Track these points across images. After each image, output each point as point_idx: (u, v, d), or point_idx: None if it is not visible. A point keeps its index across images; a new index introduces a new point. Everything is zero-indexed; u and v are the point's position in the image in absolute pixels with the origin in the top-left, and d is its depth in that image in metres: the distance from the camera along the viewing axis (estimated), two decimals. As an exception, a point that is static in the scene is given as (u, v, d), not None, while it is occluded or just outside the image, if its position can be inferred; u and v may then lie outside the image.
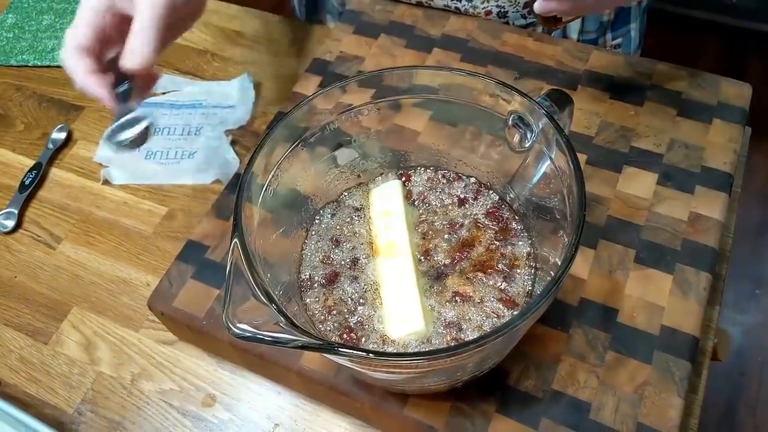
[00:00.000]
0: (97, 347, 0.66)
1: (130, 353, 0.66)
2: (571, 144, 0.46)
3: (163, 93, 0.86)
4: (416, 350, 0.50)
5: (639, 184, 0.64)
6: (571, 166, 0.45)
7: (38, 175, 0.78)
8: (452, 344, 0.49)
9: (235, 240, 0.43)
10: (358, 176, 0.60)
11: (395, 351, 0.50)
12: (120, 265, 0.72)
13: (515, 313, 0.51)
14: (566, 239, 0.47)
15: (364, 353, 0.39)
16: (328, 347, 0.39)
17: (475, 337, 0.48)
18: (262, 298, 0.41)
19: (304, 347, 0.39)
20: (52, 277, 0.71)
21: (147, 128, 0.61)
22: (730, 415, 1.49)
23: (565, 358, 0.55)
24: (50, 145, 0.81)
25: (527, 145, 0.51)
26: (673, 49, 1.28)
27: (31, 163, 0.81)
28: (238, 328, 0.40)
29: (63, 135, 0.82)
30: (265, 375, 0.62)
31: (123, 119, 0.60)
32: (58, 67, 0.91)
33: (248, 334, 0.39)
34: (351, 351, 0.39)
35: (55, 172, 0.80)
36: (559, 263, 0.43)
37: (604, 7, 0.62)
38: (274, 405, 0.61)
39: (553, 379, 0.54)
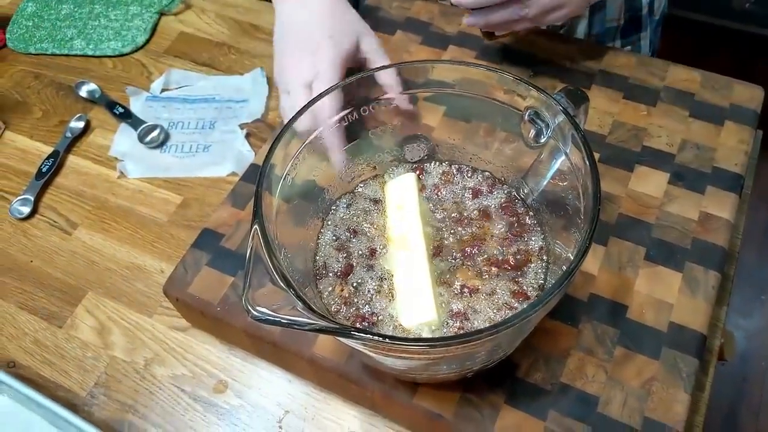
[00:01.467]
0: (111, 332, 0.67)
1: (144, 338, 0.66)
2: (587, 140, 0.47)
3: (177, 88, 0.87)
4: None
5: (650, 183, 0.65)
6: (587, 162, 0.46)
7: (55, 163, 0.79)
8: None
9: (256, 226, 0.44)
10: (374, 168, 0.61)
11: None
12: (135, 251, 0.73)
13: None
14: (579, 235, 0.47)
15: (380, 337, 0.39)
16: (344, 331, 0.40)
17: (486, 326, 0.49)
18: (281, 283, 0.42)
19: (321, 330, 0.40)
20: (67, 262, 0.72)
21: (165, 133, 0.81)
22: (733, 419, 1.50)
23: (574, 353, 0.55)
24: (68, 134, 0.82)
25: (542, 141, 0.52)
26: (684, 54, 1.28)
27: (47, 149, 0.82)
28: (257, 311, 0.40)
29: (81, 124, 0.83)
30: (277, 362, 0.63)
31: (144, 126, 0.82)
32: (76, 55, 0.92)
33: (267, 317, 0.40)
34: (366, 335, 0.40)
35: (72, 160, 0.81)
36: (572, 257, 0.44)
37: (529, 25, 0.68)
38: (285, 392, 0.62)
39: (561, 372, 0.54)
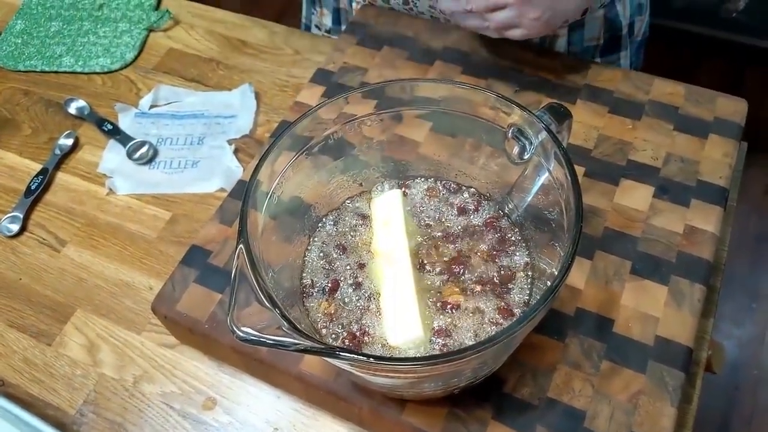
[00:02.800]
0: (100, 349, 0.67)
1: (132, 356, 0.66)
2: (569, 157, 0.47)
3: (166, 104, 0.88)
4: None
5: (635, 196, 0.65)
6: (569, 179, 0.47)
7: (44, 181, 0.79)
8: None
9: (241, 246, 0.44)
10: (360, 185, 0.61)
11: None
12: (123, 268, 0.73)
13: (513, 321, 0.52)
14: (563, 250, 0.48)
15: (365, 357, 0.40)
16: (330, 351, 0.40)
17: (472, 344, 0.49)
18: (266, 302, 0.42)
19: (306, 351, 0.40)
20: (56, 280, 0.72)
21: (154, 149, 0.82)
22: (725, 428, 1.50)
23: (560, 367, 0.56)
24: (57, 151, 0.82)
25: (526, 158, 0.53)
26: (672, 64, 1.29)
27: (37, 166, 0.82)
28: (242, 331, 0.41)
29: (70, 141, 0.83)
30: (265, 379, 0.63)
31: (133, 142, 0.82)
32: (65, 72, 0.92)
33: (252, 338, 0.40)
34: (352, 355, 0.40)
35: (60, 177, 0.81)
36: (556, 273, 0.44)
37: (497, 35, 0.70)
38: (274, 409, 0.62)
39: (548, 387, 0.55)
